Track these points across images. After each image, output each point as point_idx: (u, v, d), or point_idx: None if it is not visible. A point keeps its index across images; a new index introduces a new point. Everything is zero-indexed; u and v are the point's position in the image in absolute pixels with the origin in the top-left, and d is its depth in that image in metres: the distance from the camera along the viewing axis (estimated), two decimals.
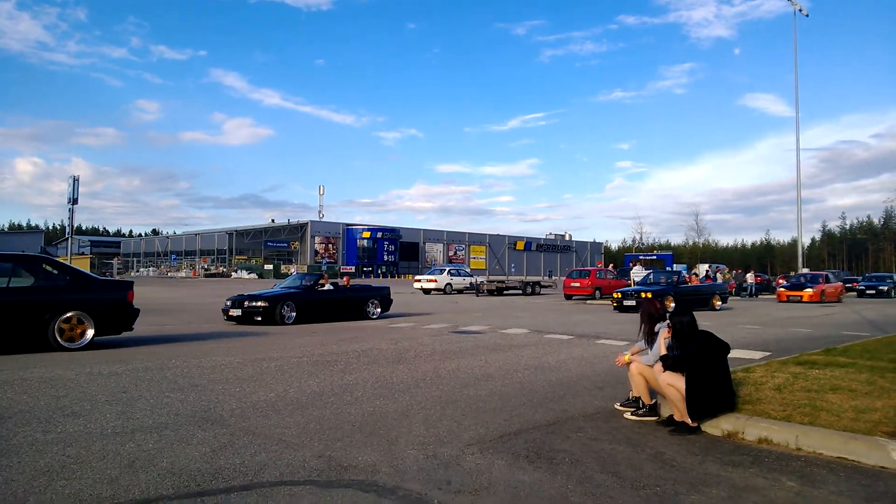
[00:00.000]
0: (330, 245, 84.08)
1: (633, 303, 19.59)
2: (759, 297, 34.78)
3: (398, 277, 77.99)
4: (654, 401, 5.55)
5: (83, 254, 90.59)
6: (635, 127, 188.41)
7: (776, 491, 3.70)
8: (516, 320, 16.19)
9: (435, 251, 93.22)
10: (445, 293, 34.30)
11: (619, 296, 20.78)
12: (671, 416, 5.18)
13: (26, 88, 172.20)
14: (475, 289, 33.98)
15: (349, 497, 3.50)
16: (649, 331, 5.69)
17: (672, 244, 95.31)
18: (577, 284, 28.75)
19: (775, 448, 4.53)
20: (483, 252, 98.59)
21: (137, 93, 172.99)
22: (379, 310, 16.86)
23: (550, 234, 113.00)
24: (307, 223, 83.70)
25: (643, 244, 70.66)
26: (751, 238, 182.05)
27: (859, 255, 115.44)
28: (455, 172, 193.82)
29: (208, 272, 74.74)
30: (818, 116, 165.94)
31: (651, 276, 24.06)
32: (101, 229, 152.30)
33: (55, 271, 9.78)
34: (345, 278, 18.61)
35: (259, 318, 14.27)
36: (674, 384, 4.99)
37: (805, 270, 36.53)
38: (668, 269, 43.23)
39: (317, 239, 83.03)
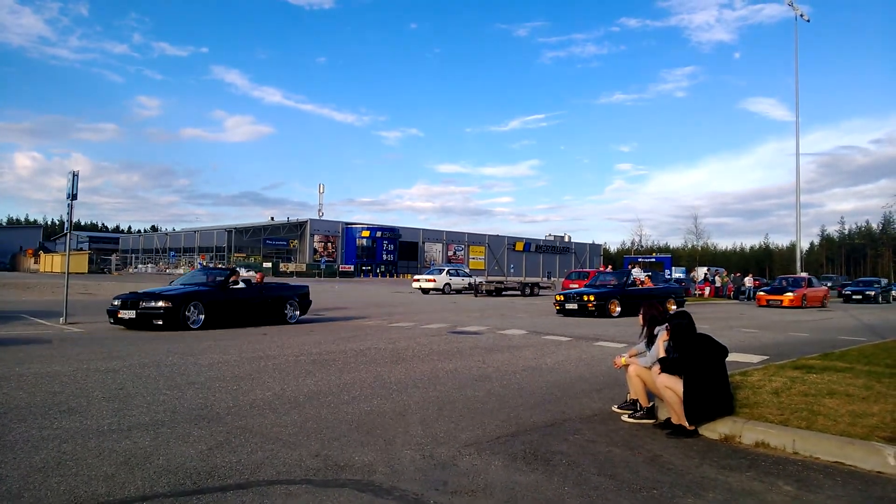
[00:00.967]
0: (329, 244, 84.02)
1: (574, 306, 18.32)
2: None
3: (397, 277, 77.98)
4: (651, 403, 5.54)
5: (81, 250, 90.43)
6: (636, 129, 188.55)
7: (773, 495, 3.69)
8: (515, 321, 16.18)
9: (434, 251, 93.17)
10: (444, 293, 34.29)
11: (562, 298, 19.14)
12: (668, 418, 5.18)
13: (27, 83, 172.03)
14: (474, 289, 33.96)
15: (345, 497, 3.49)
16: (648, 333, 5.70)
17: (671, 247, 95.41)
18: (576, 286, 28.73)
19: (772, 452, 4.54)
20: (482, 252, 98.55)
21: (138, 89, 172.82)
22: (298, 312, 14.84)
23: (550, 235, 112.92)
24: (307, 221, 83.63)
25: (642, 247, 70.62)
26: (750, 242, 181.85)
27: (858, 261, 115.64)
28: (455, 172, 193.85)
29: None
30: (818, 121, 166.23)
31: (599, 278, 22.34)
32: (99, 225, 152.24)
33: None
34: (257, 275, 16.29)
35: (160, 322, 11.92)
36: (671, 387, 4.99)
37: (804, 275, 36.53)
38: (667, 271, 43.33)
39: (316, 237, 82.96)
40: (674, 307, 19.48)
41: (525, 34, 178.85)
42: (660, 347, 5.35)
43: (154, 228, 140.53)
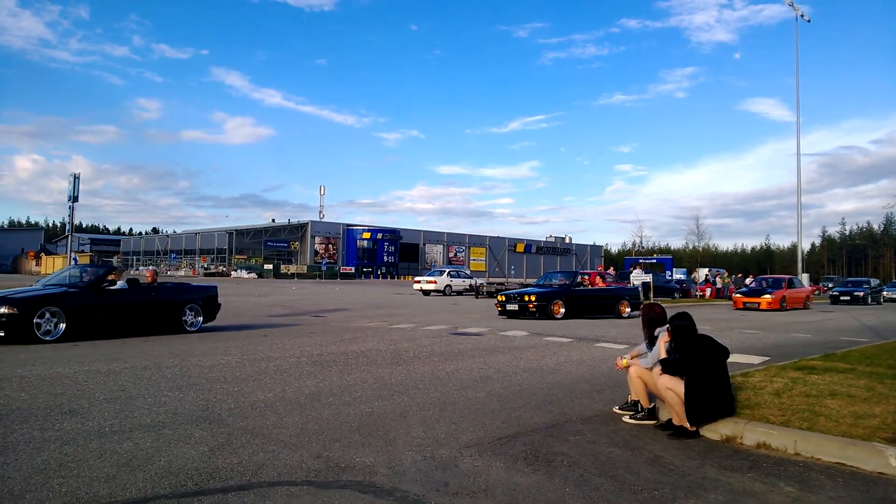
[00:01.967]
0: (330, 245, 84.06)
1: (515, 307, 17.54)
2: None
3: (398, 278, 77.98)
4: (652, 404, 5.55)
5: (83, 252, 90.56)
6: (636, 130, 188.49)
7: (774, 496, 3.69)
8: (516, 323, 16.17)
9: (435, 252, 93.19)
10: (445, 295, 34.29)
11: (503, 298, 18.29)
12: (670, 419, 5.17)
13: (27, 85, 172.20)
14: (475, 291, 33.96)
15: (347, 498, 3.49)
16: (649, 334, 5.70)
17: (672, 248, 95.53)
18: None
19: (773, 453, 4.53)
20: (483, 254, 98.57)
21: (138, 91, 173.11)
22: (201, 318, 12.58)
23: (550, 236, 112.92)
24: (307, 223, 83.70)
25: (643, 248, 70.60)
26: (751, 243, 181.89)
27: (859, 261, 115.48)
28: (455, 174, 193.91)
29: (208, 271, 74.75)
30: (818, 121, 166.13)
31: (549, 277, 21.35)
32: (100, 227, 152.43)
33: None
34: (147, 273, 13.68)
35: (1, 334, 9.67)
36: (673, 388, 4.99)
37: (805, 276, 36.49)
38: (668, 272, 43.32)
39: (317, 239, 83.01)
40: (628, 310, 18.95)
41: (525, 35, 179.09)
42: (661, 348, 5.36)
43: (155, 230, 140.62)
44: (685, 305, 25.08)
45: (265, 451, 4.36)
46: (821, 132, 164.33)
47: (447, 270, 38.74)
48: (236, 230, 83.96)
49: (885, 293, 37.77)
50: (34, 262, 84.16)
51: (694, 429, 4.96)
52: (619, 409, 5.85)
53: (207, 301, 12.93)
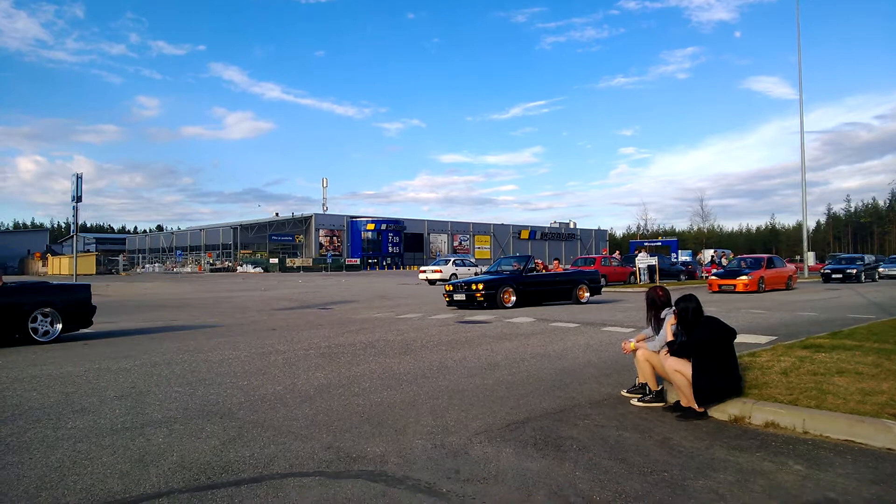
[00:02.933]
0: (335, 237, 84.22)
1: (462, 297, 16.42)
2: None
3: (403, 269, 78.09)
4: (660, 387, 5.56)
5: (88, 251, 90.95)
6: (638, 113, 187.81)
7: (783, 474, 3.70)
8: (521, 310, 16.19)
9: (439, 242, 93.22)
10: None
11: (451, 288, 16.99)
12: (678, 401, 5.19)
13: (26, 87, 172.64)
14: None
15: (358, 488, 3.52)
16: (655, 317, 5.70)
17: (677, 230, 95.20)
18: None
19: (782, 432, 4.54)
20: (487, 242, 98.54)
21: (137, 89, 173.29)
22: (59, 325, 10.31)
23: (555, 222, 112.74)
24: (311, 216, 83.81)
25: (648, 231, 70.32)
26: (756, 222, 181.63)
27: (865, 238, 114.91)
28: (458, 162, 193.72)
29: (214, 267, 75.05)
30: (821, 98, 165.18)
31: (501, 263, 19.82)
32: (105, 226, 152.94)
33: None
34: None
35: None
36: (680, 370, 5.00)
37: (811, 254, 36.29)
38: (674, 254, 43.22)
39: (321, 232, 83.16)
40: (587, 294, 18.07)
41: (524, 20, 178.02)
42: (668, 331, 5.36)
43: (160, 228, 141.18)
44: (691, 288, 25.04)
45: (276, 443, 4.39)
46: (824, 109, 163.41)
47: (452, 259, 38.73)
48: (241, 225, 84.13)
49: (881, 269, 35.99)
50: (41, 264, 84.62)
51: (702, 410, 4.97)
52: (627, 392, 5.87)
53: (71, 306, 10.62)
